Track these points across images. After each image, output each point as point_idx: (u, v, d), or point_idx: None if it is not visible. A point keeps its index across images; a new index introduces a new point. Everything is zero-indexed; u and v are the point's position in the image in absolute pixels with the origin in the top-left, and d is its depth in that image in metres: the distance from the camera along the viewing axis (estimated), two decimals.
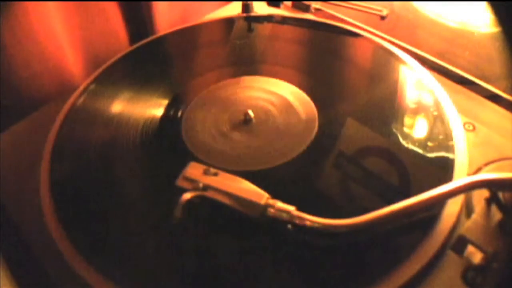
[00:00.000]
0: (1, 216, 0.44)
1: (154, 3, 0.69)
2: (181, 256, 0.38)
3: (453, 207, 0.39)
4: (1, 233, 0.43)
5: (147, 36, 0.64)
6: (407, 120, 0.48)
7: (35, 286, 0.40)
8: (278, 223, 0.36)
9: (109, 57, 0.60)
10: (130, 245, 0.39)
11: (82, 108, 0.52)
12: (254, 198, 0.37)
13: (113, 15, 0.67)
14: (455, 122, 0.46)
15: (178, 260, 0.38)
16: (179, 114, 0.51)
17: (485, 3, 0.67)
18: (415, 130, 0.47)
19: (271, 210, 0.36)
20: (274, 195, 0.37)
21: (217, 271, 0.37)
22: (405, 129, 0.47)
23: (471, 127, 0.48)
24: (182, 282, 0.36)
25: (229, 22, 0.66)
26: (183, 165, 0.41)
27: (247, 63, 0.59)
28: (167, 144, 0.48)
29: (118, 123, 0.50)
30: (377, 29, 0.63)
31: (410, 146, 0.45)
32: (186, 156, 0.45)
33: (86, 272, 0.36)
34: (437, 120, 0.47)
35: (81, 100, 0.52)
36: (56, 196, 0.42)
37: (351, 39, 0.61)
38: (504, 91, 0.53)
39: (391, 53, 0.56)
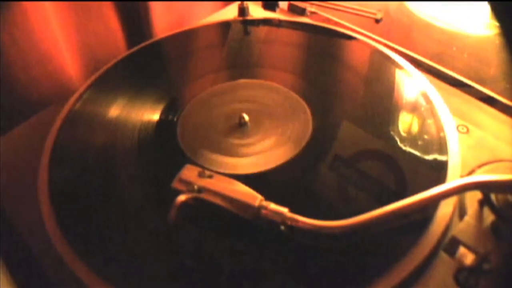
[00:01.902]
0: (0, 219, 0.44)
1: (152, 7, 0.69)
2: (177, 257, 0.38)
3: (446, 208, 0.39)
4: (1, 236, 0.43)
5: (144, 40, 0.65)
6: (400, 123, 0.48)
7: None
8: (271, 224, 0.36)
9: (107, 60, 0.60)
10: (127, 246, 0.39)
11: (80, 112, 0.52)
12: (247, 200, 0.37)
13: (111, 19, 0.68)
14: (449, 124, 0.46)
15: (174, 261, 0.38)
16: (175, 117, 0.51)
17: (479, 5, 0.67)
18: (408, 132, 0.47)
19: (265, 211, 0.36)
20: (268, 198, 0.38)
21: (212, 272, 0.37)
22: (399, 132, 0.47)
23: (464, 129, 0.49)
24: (178, 283, 0.37)
25: (225, 25, 0.67)
26: (178, 167, 0.41)
27: (243, 66, 0.59)
28: (163, 147, 0.48)
29: (115, 127, 0.50)
30: (372, 32, 0.63)
31: (403, 148, 0.45)
32: (181, 159, 0.45)
33: (84, 274, 0.36)
34: (431, 122, 0.47)
35: (79, 104, 0.53)
36: (55, 199, 0.42)
37: (346, 42, 0.61)
38: (498, 93, 0.53)
39: (385, 56, 0.57)
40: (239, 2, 0.67)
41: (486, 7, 0.67)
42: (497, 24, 0.64)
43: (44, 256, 0.40)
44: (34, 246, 0.42)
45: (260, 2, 0.72)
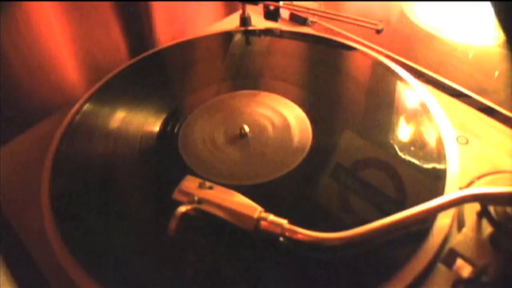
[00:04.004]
0: (2, 228, 0.45)
1: (154, 16, 0.70)
2: (177, 267, 0.39)
3: (444, 220, 0.39)
4: (4, 244, 0.43)
5: (147, 49, 0.65)
6: (400, 134, 0.49)
7: None
8: (271, 236, 0.37)
9: (110, 69, 0.61)
10: (127, 256, 0.40)
11: (82, 122, 0.52)
12: (247, 212, 0.37)
13: (114, 28, 0.68)
14: (448, 135, 0.47)
15: (174, 271, 0.38)
16: (177, 128, 0.51)
17: (481, 16, 0.68)
18: (408, 143, 0.47)
19: (264, 223, 0.37)
20: (268, 209, 0.38)
21: (211, 282, 0.37)
22: (398, 143, 0.47)
23: (464, 141, 0.49)
24: None
25: (227, 36, 0.67)
26: (179, 178, 0.42)
27: (244, 77, 0.60)
28: (165, 158, 0.49)
29: (117, 137, 0.50)
30: (373, 42, 0.63)
31: (403, 159, 0.45)
32: (182, 170, 0.46)
33: (84, 282, 0.37)
34: (431, 133, 0.47)
35: (80, 114, 0.53)
36: (57, 208, 0.43)
37: (347, 53, 0.61)
38: (499, 104, 0.53)
39: (386, 66, 0.57)
40: (240, 12, 0.68)
41: (487, 18, 0.67)
42: (502, 32, 0.64)
43: (46, 264, 0.41)
44: (36, 254, 0.42)
45: (261, 12, 0.73)
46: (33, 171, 0.48)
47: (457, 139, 0.48)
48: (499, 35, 0.65)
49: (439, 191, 0.41)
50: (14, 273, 0.41)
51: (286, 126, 0.50)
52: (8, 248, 0.43)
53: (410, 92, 0.53)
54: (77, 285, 0.37)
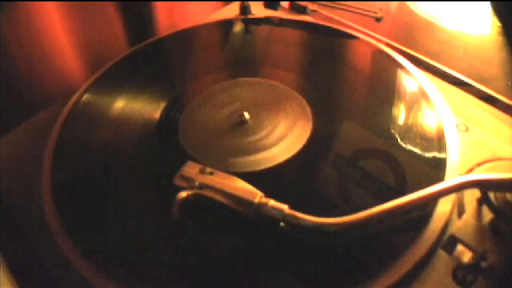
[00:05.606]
0: (3, 218, 0.45)
1: (155, 5, 0.70)
2: (179, 253, 0.39)
3: (444, 206, 0.39)
4: (4, 236, 0.43)
5: (147, 38, 0.65)
6: (400, 121, 0.49)
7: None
8: (271, 221, 0.37)
9: (110, 58, 0.60)
10: (129, 243, 0.40)
11: (82, 110, 0.52)
12: (248, 197, 0.37)
13: (114, 17, 0.68)
14: (448, 122, 0.47)
15: (175, 257, 0.39)
16: (177, 115, 0.51)
17: (480, 5, 0.68)
18: (408, 130, 0.47)
19: (265, 208, 0.37)
20: (269, 195, 0.38)
21: (212, 268, 0.37)
22: (399, 130, 0.47)
23: (464, 128, 0.49)
24: (180, 279, 0.37)
25: (227, 24, 0.67)
26: (180, 165, 0.42)
27: (244, 65, 0.59)
28: (165, 145, 0.49)
29: (118, 125, 0.50)
30: (373, 31, 0.63)
31: (403, 146, 0.45)
32: (183, 157, 0.45)
33: (87, 271, 0.37)
34: (431, 120, 0.48)
35: (81, 102, 0.53)
36: (58, 197, 0.43)
37: (347, 41, 0.61)
38: (499, 92, 0.53)
39: (386, 55, 0.57)
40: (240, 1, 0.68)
41: (487, 6, 0.67)
42: (498, 23, 0.65)
43: (48, 255, 0.40)
44: (38, 245, 0.42)
45: (261, 1, 0.72)
46: (33, 161, 0.47)
47: (457, 126, 0.48)
48: (498, 24, 0.65)
49: (440, 178, 0.41)
50: (15, 265, 0.41)
51: (286, 113, 0.50)
52: (9, 240, 0.43)
53: (410, 80, 0.53)
54: (81, 275, 0.37)
